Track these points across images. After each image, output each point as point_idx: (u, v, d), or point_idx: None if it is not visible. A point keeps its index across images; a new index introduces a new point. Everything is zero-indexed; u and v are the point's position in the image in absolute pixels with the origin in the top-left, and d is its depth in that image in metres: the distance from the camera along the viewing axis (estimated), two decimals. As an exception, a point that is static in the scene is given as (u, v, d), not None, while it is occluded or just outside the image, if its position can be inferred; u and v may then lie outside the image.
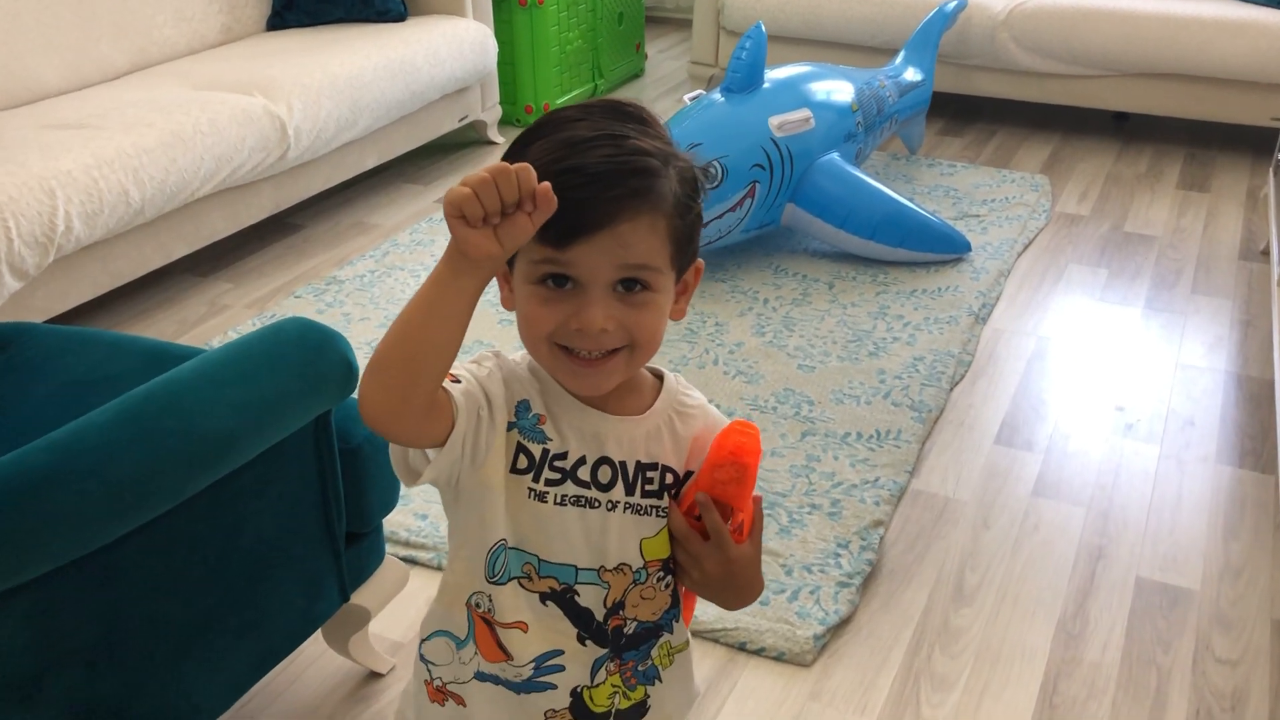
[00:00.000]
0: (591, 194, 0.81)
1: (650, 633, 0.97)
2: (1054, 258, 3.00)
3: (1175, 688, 1.64)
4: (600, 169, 0.82)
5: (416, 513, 1.99)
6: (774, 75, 2.95)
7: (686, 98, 3.03)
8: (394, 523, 1.95)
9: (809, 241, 3.03)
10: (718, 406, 1.18)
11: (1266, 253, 3.01)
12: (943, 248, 2.92)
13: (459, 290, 0.79)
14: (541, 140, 0.85)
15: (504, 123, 3.96)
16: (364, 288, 2.81)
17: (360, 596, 1.52)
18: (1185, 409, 2.31)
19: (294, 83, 2.91)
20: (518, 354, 0.94)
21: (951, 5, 3.66)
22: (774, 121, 2.79)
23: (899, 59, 3.51)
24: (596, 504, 0.91)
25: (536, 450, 0.90)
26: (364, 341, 2.53)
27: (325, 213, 3.29)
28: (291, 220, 3.22)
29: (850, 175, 2.91)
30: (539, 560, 0.92)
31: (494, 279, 0.86)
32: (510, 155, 0.85)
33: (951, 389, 2.39)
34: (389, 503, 1.51)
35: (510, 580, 0.92)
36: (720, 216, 2.72)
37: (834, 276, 2.86)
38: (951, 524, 1.98)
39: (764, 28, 2.85)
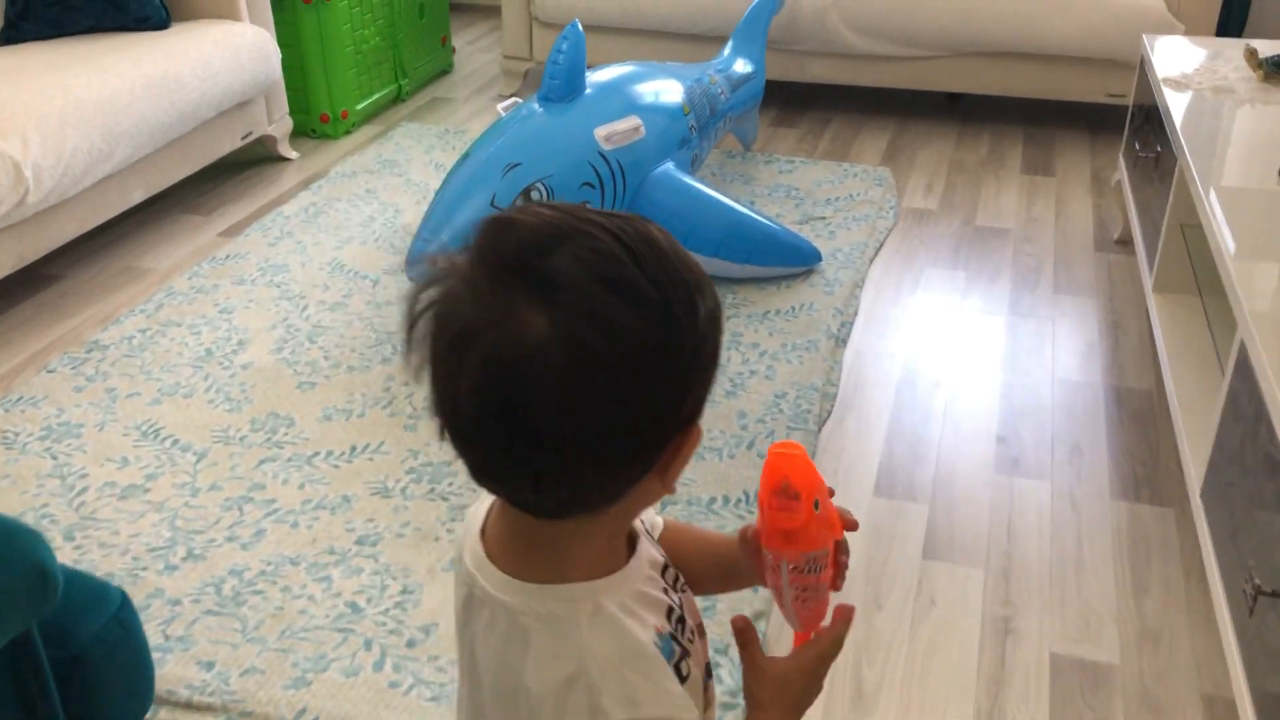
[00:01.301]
0: None
1: None
2: (908, 261, 2.80)
3: (1111, 793, 1.43)
4: None
5: (199, 660, 1.61)
6: (596, 79, 2.64)
7: (501, 108, 2.68)
8: (170, 678, 1.57)
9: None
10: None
11: (1121, 241, 2.88)
12: (792, 260, 2.68)
13: None
14: None
15: (298, 134, 3.53)
16: (133, 353, 2.37)
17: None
18: (1069, 433, 2.13)
19: (29, 112, 2.44)
20: None
21: (778, -13, 3.42)
22: (601, 133, 2.48)
23: (727, 50, 3.24)
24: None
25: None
26: (133, 425, 2.11)
27: (87, 258, 2.82)
28: (46, 270, 2.74)
29: (688, 187, 2.63)
30: None
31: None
32: None
33: (820, 429, 2.14)
34: (138, 709, 1.14)
35: None
36: (548, 244, 2.40)
37: (679, 300, 2.58)
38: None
39: (580, 25, 2.53)
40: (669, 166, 2.64)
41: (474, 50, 4.53)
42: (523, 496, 0.67)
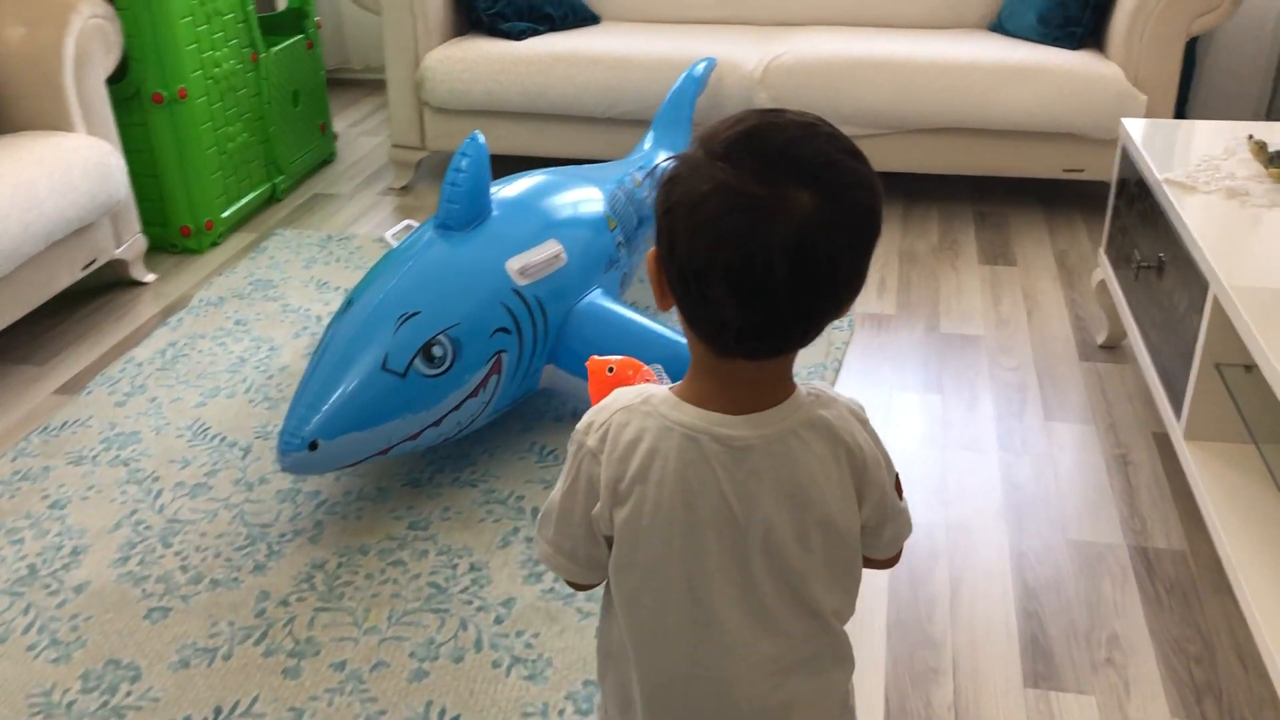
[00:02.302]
0: None
1: None
2: (874, 385, 2.43)
3: None
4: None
5: None
6: (503, 195, 2.22)
7: (389, 235, 2.26)
8: None
9: (578, 401, 2.32)
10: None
11: (1106, 347, 2.55)
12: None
13: None
14: None
15: (156, 249, 3.04)
16: (-66, 577, 1.87)
17: None
18: (1102, 617, 1.76)
19: None
20: None
21: (701, 67, 3.06)
22: (514, 266, 2.07)
23: (648, 142, 2.86)
24: None
25: None
26: (-76, 696, 1.61)
27: (-114, 433, 2.30)
28: None
29: (622, 318, 2.22)
30: None
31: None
32: None
33: (805, 633, 1.74)
34: None
35: None
36: (458, 407, 1.97)
37: (616, 454, 2.17)
38: None
39: (481, 136, 2.11)
40: (596, 294, 2.24)
41: (359, 134, 4.08)
42: (791, 342, 0.86)
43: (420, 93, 3.35)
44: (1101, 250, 2.50)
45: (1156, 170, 2.10)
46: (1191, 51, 3.45)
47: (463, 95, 3.28)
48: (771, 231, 0.77)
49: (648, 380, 1.14)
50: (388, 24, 3.34)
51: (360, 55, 4.52)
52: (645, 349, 2.21)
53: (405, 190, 3.52)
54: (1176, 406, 1.88)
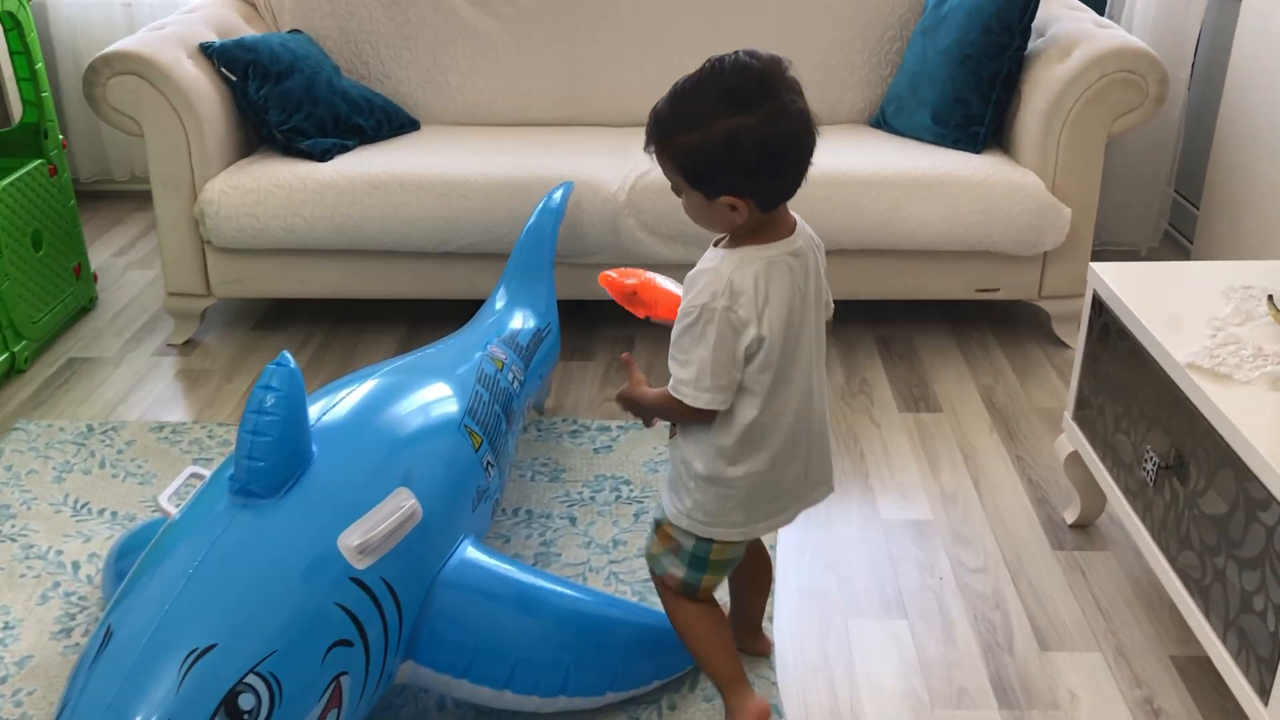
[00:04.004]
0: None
1: None
2: (821, 610, 1.92)
3: None
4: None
5: None
6: (325, 423, 1.60)
7: (166, 498, 1.61)
8: None
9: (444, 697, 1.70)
10: None
11: (1077, 527, 2.13)
12: (672, 663, 1.73)
13: None
14: None
15: None
16: None
17: None
18: None
19: None
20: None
21: (558, 195, 2.51)
22: (350, 543, 1.46)
23: (501, 299, 2.28)
24: None
25: None
26: None
27: None
28: None
29: (502, 580, 1.64)
30: None
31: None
32: None
33: None
34: None
35: None
36: (282, 766, 1.34)
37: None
38: None
39: (290, 356, 1.50)
40: (465, 549, 1.65)
41: (127, 265, 3.34)
42: (795, 189, 1.39)
43: (200, 230, 2.68)
44: (1068, 415, 2.08)
45: (1166, 344, 1.68)
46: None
47: (256, 233, 2.62)
48: (809, 125, 1.36)
49: (662, 283, 1.79)
50: (152, 147, 2.65)
51: (124, 164, 3.76)
52: (535, 614, 1.64)
53: (189, 346, 2.83)
54: (1260, 687, 1.43)
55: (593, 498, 2.19)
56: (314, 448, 1.52)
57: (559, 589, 1.67)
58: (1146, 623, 1.88)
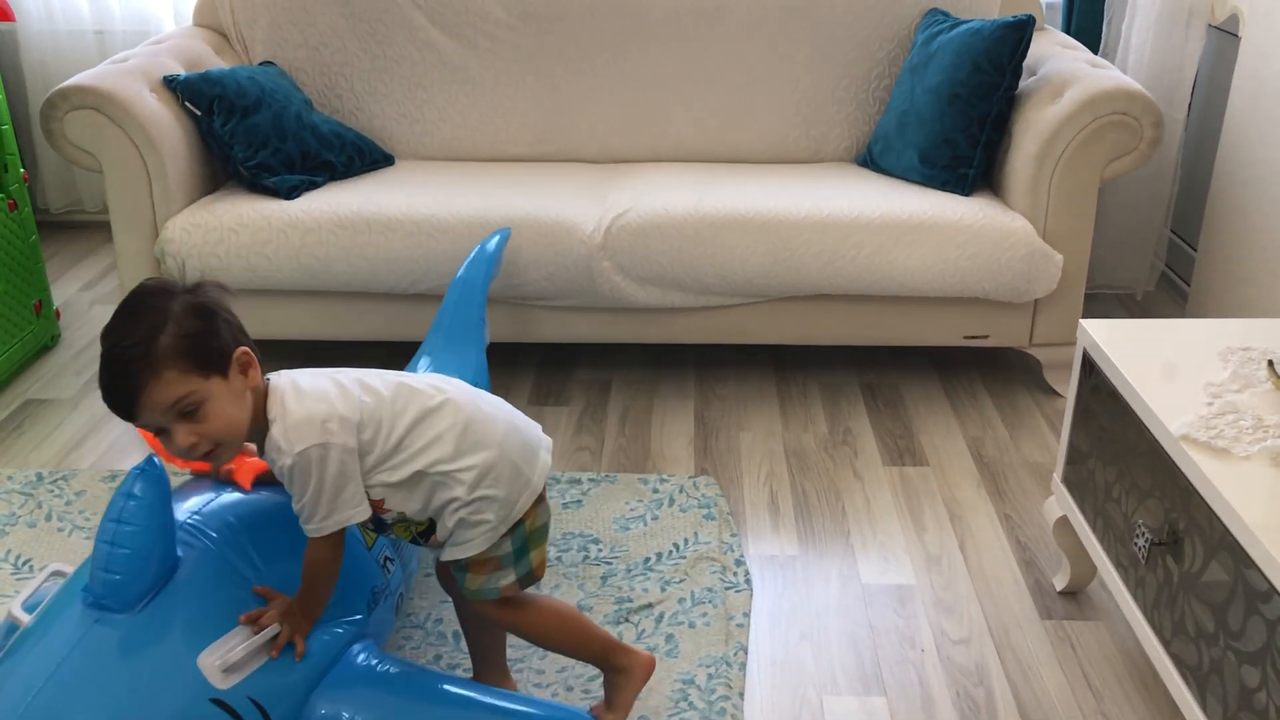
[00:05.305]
0: (111, 402, 1.36)
1: None
2: (793, 685, 1.82)
3: None
4: (106, 384, 1.35)
5: None
6: (192, 523, 1.46)
7: (18, 607, 1.50)
8: None
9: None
10: None
11: (1067, 594, 2.03)
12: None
13: None
14: None
15: None
16: None
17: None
18: None
19: None
20: None
21: (494, 241, 2.40)
22: (210, 663, 1.34)
23: (423, 364, 2.09)
24: None
25: None
26: None
27: None
28: None
29: (400, 696, 1.49)
30: None
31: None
32: None
33: None
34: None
35: None
36: None
37: None
38: None
39: (159, 460, 1.37)
40: (358, 656, 1.50)
41: (93, 300, 3.24)
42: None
43: (161, 269, 2.59)
44: (1057, 477, 1.98)
45: (1159, 412, 1.59)
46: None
47: (218, 272, 2.52)
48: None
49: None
50: (111, 183, 2.56)
51: (95, 195, 3.67)
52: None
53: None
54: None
55: (559, 558, 2.09)
56: (180, 552, 1.41)
57: (452, 689, 1.52)
58: (1140, 702, 1.78)
